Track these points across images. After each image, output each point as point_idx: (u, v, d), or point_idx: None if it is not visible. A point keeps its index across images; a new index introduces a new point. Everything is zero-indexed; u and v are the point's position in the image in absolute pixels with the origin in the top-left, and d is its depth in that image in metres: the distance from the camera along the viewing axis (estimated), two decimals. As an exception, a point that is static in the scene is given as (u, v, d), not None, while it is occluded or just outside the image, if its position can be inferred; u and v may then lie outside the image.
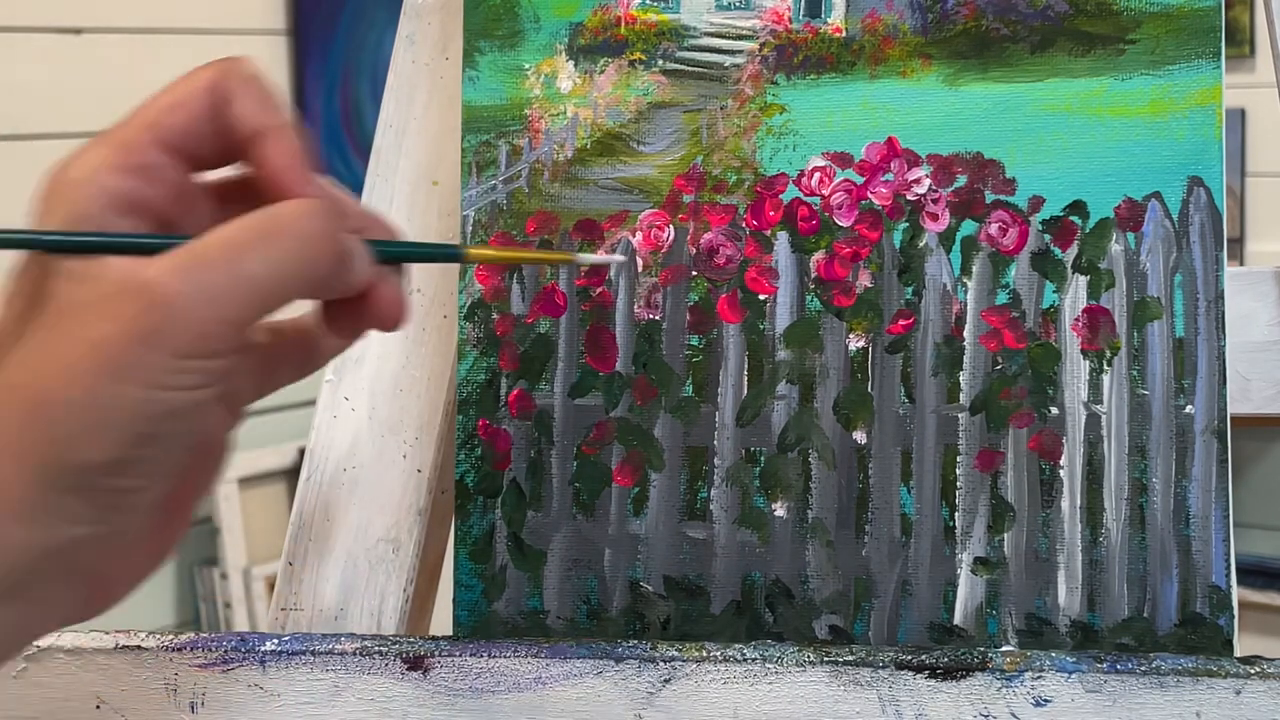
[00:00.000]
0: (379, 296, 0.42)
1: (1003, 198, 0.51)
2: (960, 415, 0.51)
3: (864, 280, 0.52)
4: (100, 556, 0.38)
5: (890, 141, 0.52)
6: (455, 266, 0.54)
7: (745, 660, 0.47)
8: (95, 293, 0.37)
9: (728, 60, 0.53)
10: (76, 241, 0.38)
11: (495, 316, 0.53)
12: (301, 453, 0.57)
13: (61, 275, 0.38)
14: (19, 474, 0.36)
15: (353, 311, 0.42)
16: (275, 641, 0.48)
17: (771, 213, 0.52)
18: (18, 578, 0.36)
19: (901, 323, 0.51)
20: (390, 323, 0.43)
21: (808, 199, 0.52)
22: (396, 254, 0.42)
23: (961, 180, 0.51)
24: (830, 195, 0.52)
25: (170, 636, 0.49)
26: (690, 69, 0.53)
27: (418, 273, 0.57)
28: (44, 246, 0.38)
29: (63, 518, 0.37)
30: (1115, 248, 0.51)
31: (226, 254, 0.37)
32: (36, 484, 0.36)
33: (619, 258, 0.51)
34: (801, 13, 0.53)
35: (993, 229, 0.51)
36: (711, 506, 0.52)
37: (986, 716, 0.46)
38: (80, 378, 0.36)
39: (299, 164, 0.41)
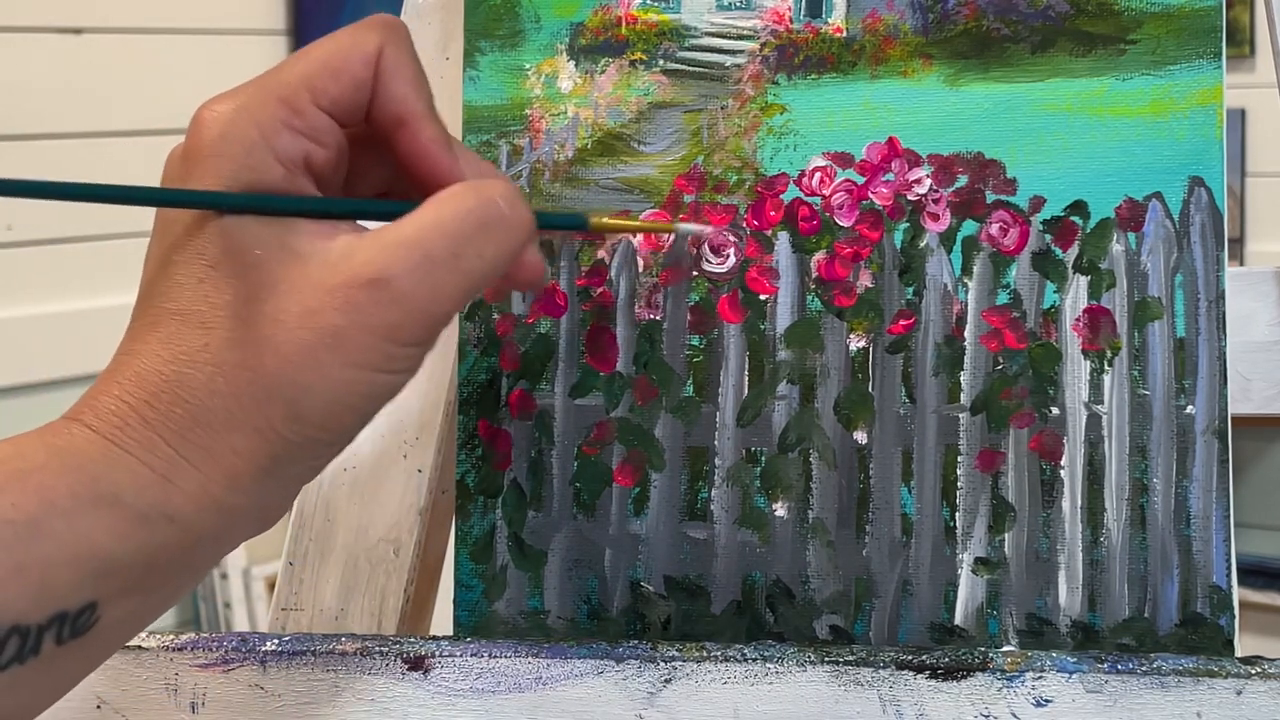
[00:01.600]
0: (523, 260, 0.43)
1: (1003, 198, 0.51)
2: (961, 415, 0.51)
3: (865, 280, 0.52)
4: (286, 499, 0.41)
5: (891, 141, 0.52)
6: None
7: (746, 660, 0.47)
8: (323, 279, 0.38)
9: (728, 60, 0.53)
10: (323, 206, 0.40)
11: (496, 316, 0.53)
12: (302, 453, 0.57)
13: (265, 246, 0.38)
14: (253, 446, 0.38)
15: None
16: (276, 641, 0.48)
17: (772, 213, 0.52)
18: (221, 533, 0.39)
19: (902, 323, 0.51)
20: (533, 284, 0.46)
21: (808, 199, 0.52)
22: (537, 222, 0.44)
23: (962, 180, 0.51)
24: (831, 195, 0.52)
25: (170, 636, 0.49)
26: (691, 69, 0.53)
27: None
28: (292, 211, 0.39)
29: (279, 481, 0.39)
30: (1116, 248, 0.51)
31: (452, 248, 0.39)
32: (268, 454, 0.38)
33: (709, 228, 0.51)
34: (802, 13, 0.53)
35: (993, 229, 0.51)
36: (712, 506, 0.52)
37: (987, 717, 0.46)
38: (319, 365, 0.38)
39: (448, 145, 0.42)
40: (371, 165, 0.44)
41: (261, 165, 0.39)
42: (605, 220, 0.48)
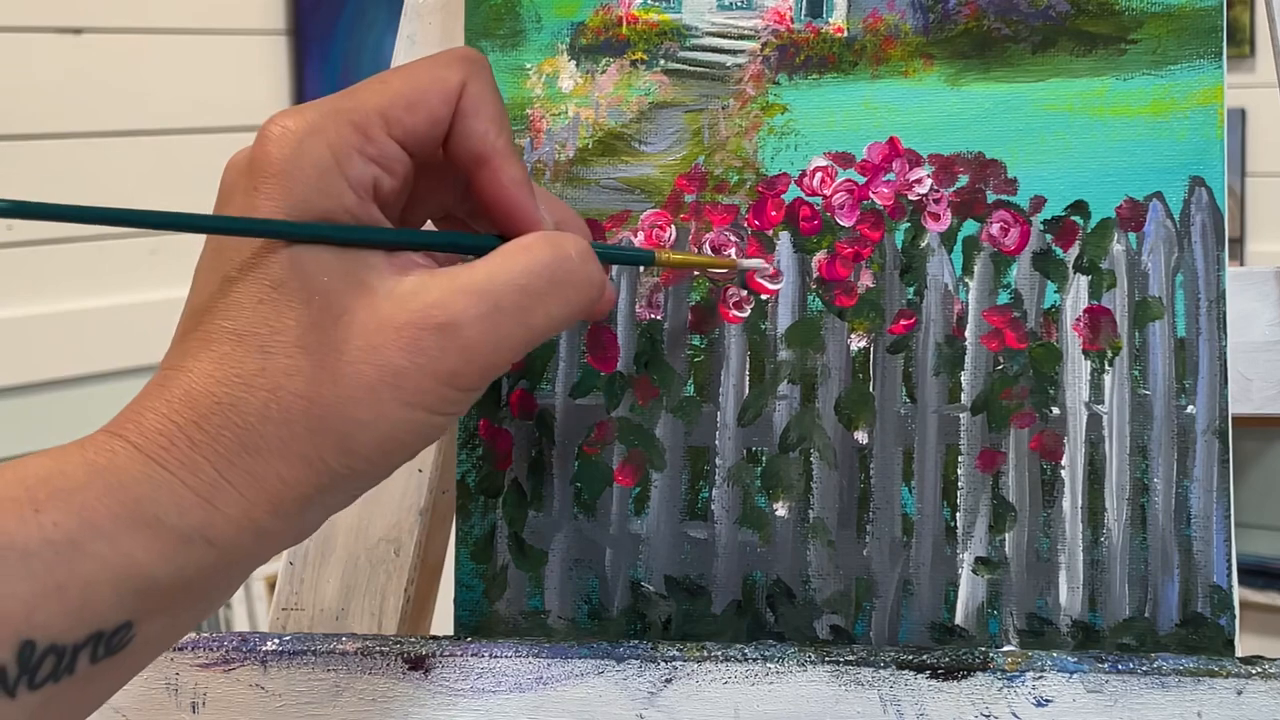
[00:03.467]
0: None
1: (1004, 198, 0.51)
2: (961, 415, 0.51)
3: (865, 280, 0.52)
4: (320, 523, 0.41)
5: (892, 141, 0.52)
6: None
7: (746, 660, 0.47)
8: (391, 316, 0.38)
9: (729, 60, 0.53)
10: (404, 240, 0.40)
11: (496, 316, 0.53)
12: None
13: (333, 273, 0.38)
14: (299, 475, 0.38)
15: None
16: (276, 641, 0.48)
17: (773, 213, 0.52)
18: (257, 555, 0.38)
19: (903, 323, 0.51)
20: (603, 313, 0.47)
21: (809, 199, 0.52)
22: (603, 256, 0.43)
23: (963, 180, 0.51)
24: (832, 195, 0.52)
25: (171, 636, 0.49)
26: (692, 69, 0.53)
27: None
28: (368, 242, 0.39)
29: (318, 508, 0.39)
30: (1117, 247, 0.51)
31: (520, 302, 0.39)
32: (312, 484, 0.38)
33: (769, 266, 0.51)
34: (803, 13, 0.53)
35: (994, 229, 0.51)
36: (713, 506, 0.52)
37: (988, 716, 0.45)
38: (376, 402, 0.38)
39: (529, 186, 0.42)
40: (433, 191, 0.44)
41: (333, 189, 0.38)
42: (671, 256, 0.48)
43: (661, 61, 0.53)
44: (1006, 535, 0.50)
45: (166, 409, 0.37)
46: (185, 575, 0.36)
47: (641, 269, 0.52)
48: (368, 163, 0.39)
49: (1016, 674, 0.46)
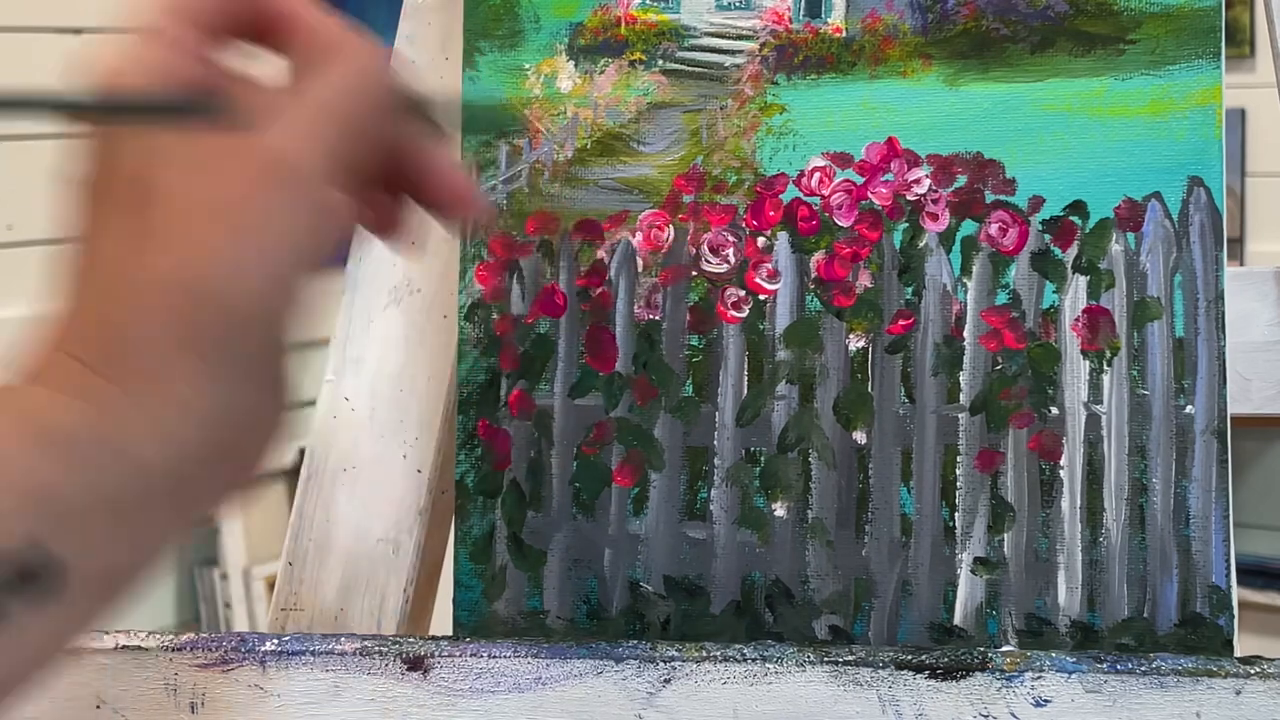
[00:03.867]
0: (433, 170, 0.41)
1: (1003, 198, 0.51)
2: (960, 415, 0.51)
3: (864, 280, 0.52)
4: (248, 436, 0.38)
5: (890, 141, 0.52)
6: (455, 269, 0.54)
7: (745, 660, 0.47)
8: (209, 172, 0.37)
9: (728, 60, 0.53)
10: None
11: (495, 317, 0.53)
12: (302, 453, 0.57)
13: (131, 161, 0.37)
14: (191, 363, 0.36)
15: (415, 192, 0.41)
16: (275, 641, 0.48)
17: (771, 213, 0.52)
18: (189, 469, 0.37)
19: (901, 323, 0.51)
20: (452, 202, 0.42)
21: (808, 199, 0.52)
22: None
23: (961, 180, 0.51)
24: (830, 195, 0.52)
25: (170, 636, 0.49)
26: (690, 69, 0.53)
27: (416, 272, 0.57)
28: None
29: (228, 386, 0.37)
30: (1115, 248, 0.51)
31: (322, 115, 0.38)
32: (207, 372, 0.36)
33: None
34: (801, 13, 0.53)
35: (993, 229, 0.51)
36: (711, 506, 0.52)
37: (986, 716, 0.46)
38: (212, 248, 0.36)
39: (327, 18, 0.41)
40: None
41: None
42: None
43: (660, 62, 0.53)
44: (1005, 535, 0.50)
45: (47, 340, 0.37)
46: (100, 492, 0.35)
47: (640, 269, 0.52)
48: (190, 67, 0.38)
49: (1015, 674, 0.46)
